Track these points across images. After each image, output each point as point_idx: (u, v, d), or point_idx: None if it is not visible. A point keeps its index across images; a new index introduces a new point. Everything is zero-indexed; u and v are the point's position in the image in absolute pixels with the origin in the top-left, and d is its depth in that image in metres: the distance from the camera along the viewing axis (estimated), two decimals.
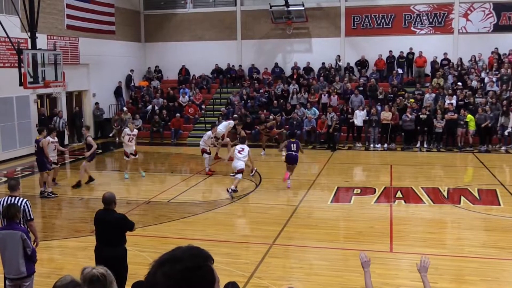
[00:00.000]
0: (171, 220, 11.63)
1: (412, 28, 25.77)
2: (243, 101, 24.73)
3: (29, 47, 17.71)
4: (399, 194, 13.65)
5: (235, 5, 27.64)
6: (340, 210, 12.57)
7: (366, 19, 26.18)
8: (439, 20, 25.46)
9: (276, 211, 12.26)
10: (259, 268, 8.68)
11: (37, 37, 17.67)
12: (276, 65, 27.01)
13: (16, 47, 16.89)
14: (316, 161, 18.87)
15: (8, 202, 7.10)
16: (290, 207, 12.48)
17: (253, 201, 13.37)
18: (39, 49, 17.71)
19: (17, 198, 7.29)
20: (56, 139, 14.67)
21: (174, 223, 11.45)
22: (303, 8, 25.79)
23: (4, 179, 15.94)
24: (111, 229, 6.98)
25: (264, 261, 9.02)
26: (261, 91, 25.38)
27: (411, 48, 25.26)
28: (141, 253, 8.86)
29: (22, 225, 6.96)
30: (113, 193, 7.34)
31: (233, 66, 27.57)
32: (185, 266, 1.81)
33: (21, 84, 16.55)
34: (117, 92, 26.26)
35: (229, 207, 12.85)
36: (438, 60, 24.90)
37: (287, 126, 22.82)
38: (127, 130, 15.99)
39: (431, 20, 25.53)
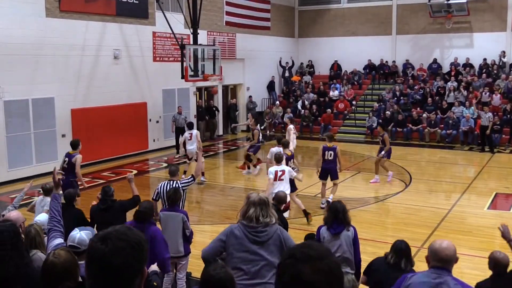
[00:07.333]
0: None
1: None
2: (395, 98, 24.01)
3: (191, 42, 18.82)
4: None
5: None
6: (497, 218, 11.67)
7: None
8: None
9: (426, 213, 11.74)
10: None
11: (198, 33, 18.74)
12: (435, 60, 25.79)
13: (179, 43, 17.99)
14: (472, 163, 17.76)
15: (171, 186, 7.71)
16: (442, 211, 11.87)
17: (401, 201, 12.91)
18: (200, 44, 18.75)
19: (176, 182, 7.88)
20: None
21: None
22: (465, 0, 24.26)
23: (165, 164, 17.30)
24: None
25: None
26: (415, 87, 24.44)
27: None
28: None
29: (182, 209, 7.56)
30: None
31: (386, 62, 26.89)
32: (334, 261, 1.96)
33: (182, 77, 17.62)
34: (270, 86, 26.99)
35: (373, 206, 12.60)
36: None
37: (442, 126, 21.71)
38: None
39: None
